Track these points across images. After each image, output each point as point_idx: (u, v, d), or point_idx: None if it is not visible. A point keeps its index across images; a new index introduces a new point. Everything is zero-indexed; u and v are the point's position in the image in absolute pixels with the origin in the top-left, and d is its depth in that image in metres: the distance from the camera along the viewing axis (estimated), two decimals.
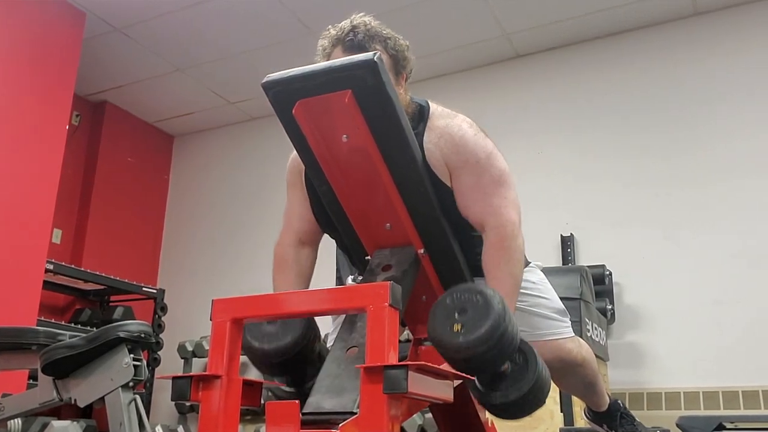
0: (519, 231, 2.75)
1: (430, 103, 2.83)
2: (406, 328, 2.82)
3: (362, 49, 2.69)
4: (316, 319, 2.59)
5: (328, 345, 2.84)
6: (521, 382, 2.40)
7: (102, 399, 4.01)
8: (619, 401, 3.65)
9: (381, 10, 3.11)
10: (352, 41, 2.73)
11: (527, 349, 2.46)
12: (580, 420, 4.86)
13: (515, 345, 2.30)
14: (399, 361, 1.96)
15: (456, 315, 2.23)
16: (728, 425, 3.78)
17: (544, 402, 2.51)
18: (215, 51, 7.40)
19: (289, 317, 2.43)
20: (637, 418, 3.65)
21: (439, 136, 2.72)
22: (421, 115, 2.77)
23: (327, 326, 3.04)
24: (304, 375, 2.60)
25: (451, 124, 2.77)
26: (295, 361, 2.53)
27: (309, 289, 3.02)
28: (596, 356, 3.44)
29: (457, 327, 2.21)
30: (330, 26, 2.83)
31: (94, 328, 5.38)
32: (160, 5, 6.64)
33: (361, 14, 2.82)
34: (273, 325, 2.54)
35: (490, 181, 2.74)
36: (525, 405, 2.44)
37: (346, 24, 2.79)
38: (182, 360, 7.68)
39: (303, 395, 2.44)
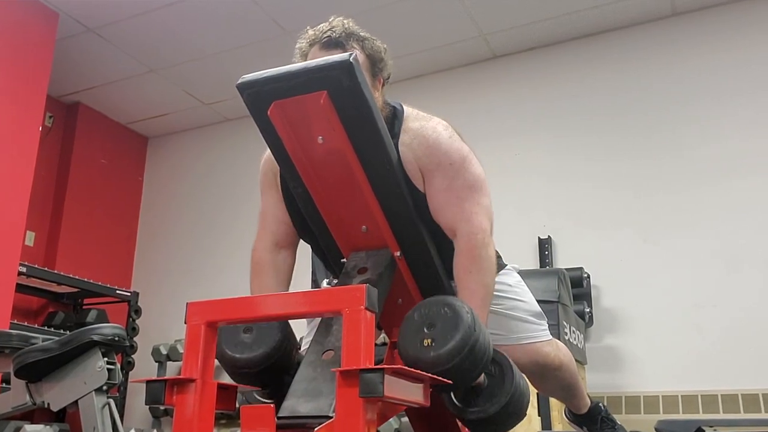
0: (490, 239, 2.71)
1: (404, 105, 2.81)
2: (382, 331, 2.80)
3: (339, 46, 2.69)
4: (292, 322, 2.57)
5: (303, 348, 2.82)
6: (499, 395, 2.41)
7: (75, 403, 4.00)
8: (600, 404, 3.64)
9: (356, 10, 3.11)
10: (329, 39, 2.71)
11: (502, 361, 2.46)
12: (558, 424, 4.86)
13: (488, 356, 2.28)
14: (375, 364, 1.94)
15: (425, 330, 2.22)
16: (707, 429, 3.78)
17: (525, 414, 2.51)
18: (189, 52, 7.37)
19: (264, 320, 2.41)
20: (618, 422, 3.65)
21: (413, 138, 2.69)
22: (395, 118, 2.74)
23: (301, 329, 3.02)
24: (282, 385, 2.54)
25: (426, 126, 2.73)
26: (271, 372, 2.50)
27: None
28: (574, 360, 3.43)
29: (427, 341, 2.20)
30: (308, 27, 2.81)
31: (68, 332, 5.35)
32: (134, 6, 6.60)
33: (340, 17, 2.80)
34: (248, 333, 2.51)
35: (463, 186, 2.69)
36: (505, 418, 2.44)
37: (323, 24, 2.77)
38: (156, 363, 7.65)
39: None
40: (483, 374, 2.41)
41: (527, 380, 2.55)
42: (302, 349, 2.81)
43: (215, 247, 8.26)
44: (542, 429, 4.90)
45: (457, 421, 2.87)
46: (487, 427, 2.46)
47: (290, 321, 2.53)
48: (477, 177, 2.74)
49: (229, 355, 2.48)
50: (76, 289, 7.59)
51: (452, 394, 2.45)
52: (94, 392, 3.91)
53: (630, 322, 6.12)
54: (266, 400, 2.65)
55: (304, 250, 3.14)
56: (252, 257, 3.05)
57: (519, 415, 2.47)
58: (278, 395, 2.56)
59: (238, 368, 2.50)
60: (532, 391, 4.49)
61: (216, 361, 2.23)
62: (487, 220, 2.72)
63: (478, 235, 2.66)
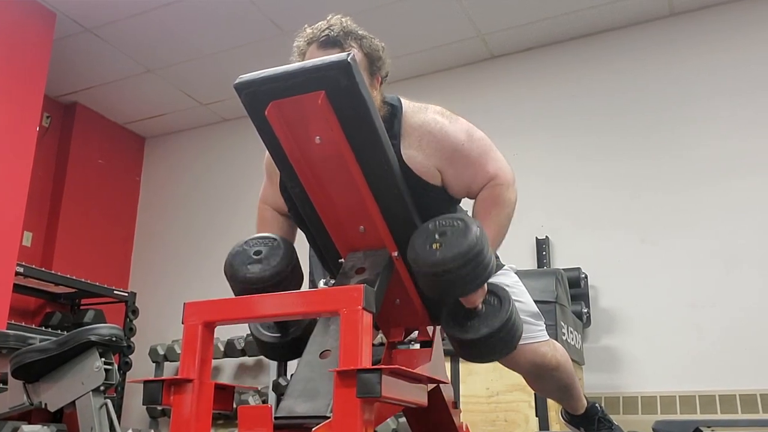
0: (512, 186, 2.86)
1: (402, 99, 2.82)
2: (380, 331, 2.80)
3: (337, 45, 2.69)
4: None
5: None
6: (493, 319, 2.49)
7: (73, 403, 4.00)
8: (597, 404, 3.64)
9: (354, 10, 3.09)
10: (327, 37, 2.71)
11: (502, 294, 2.56)
12: (556, 424, 4.85)
13: (490, 270, 2.39)
14: (373, 364, 1.94)
15: (436, 236, 2.35)
16: (705, 429, 3.78)
17: (515, 346, 2.60)
18: (187, 52, 7.36)
19: (261, 320, 2.42)
20: (615, 422, 3.64)
21: (419, 138, 2.71)
22: (394, 115, 2.74)
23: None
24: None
25: (426, 120, 2.75)
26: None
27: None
28: (572, 360, 3.43)
29: (435, 245, 2.33)
30: (306, 25, 2.81)
31: (65, 332, 5.34)
32: (131, 6, 6.59)
33: (338, 15, 2.80)
34: (257, 254, 2.65)
35: (478, 154, 2.81)
36: (494, 344, 2.52)
37: (321, 23, 2.77)
38: (154, 364, 7.63)
39: (287, 342, 2.58)
40: (482, 303, 2.52)
41: (522, 321, 2.66)
42: None
43: (213, 247, 8.24)
44: (540, 429, 4.90)
45: (455, 422, 2.88)
46: (476, 349, 2.55)
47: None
48: (483, 140, 2.89)
49: (242, 273, 2.62)
50: (73, 290, 7.57)
51: (450, 316, 2.54)
52: (91, 392, 3.91)
53: (628, 323, 6.11)
54: (274, 334, 2.74)
55: (301, 251, 3.14)
56: (258, 209, 3.22)
57: (509, 344, 2.56)
58: (283, 328, 2.73)
59: (251, 284, 2.59)
60: (531, 392, 4.51)
61: (214, 362, 2.23)
62: (508, 169, 2.89)
63: (501, 184, 2.82)
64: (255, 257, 2.65)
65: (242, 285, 2.61)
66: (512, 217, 2.86)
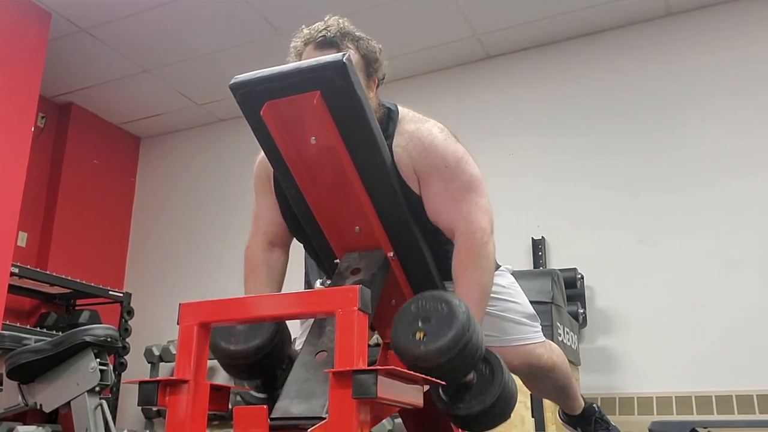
0: (490, 238, 2.69)
1: (399, 107, 2.79)
2: (375, 332, 2.79)
3: (334, 46, 2.68)
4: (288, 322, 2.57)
5: (297, 349, 2.81)
6: (485, 394, 2.41)
7: (68, 404, 3.99)
8: (595, 405, 3.64)
9: (349, 11, 3.09)
10: (324, 38, 2.70)
11: (494, 360, 2.46)
12: (552, 425, 4.84)
13: (479, 355, 2.28)
14: (368, 365, 1.94)
15: (419, 323, 2.22)
16: (701, 430, 3.77)
17: (509, 416, 2.51)
18: (182, 52, 7.35)
19: (257, 321, 2.41)
20: (612, 423, 3.64)
21: (408, 140, 2.67)
22: (390, 119, 2.73)
23: (294, 330, 3.01)
24: (275, 379, 2.57)
25: (421, 128, 2.72)
26: (265, 364, 2.50)
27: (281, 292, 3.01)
28: (568, 361, 3.42)
29: (419, 335, 2.20)
30: (303, 26, 2.80)
31: (60, 333, 5.34)
32: (127, 6, 6.58)
33: (336, 17, 2.79)
34: (242, 325, 2.51)
35: (460, 187, 2.68)
36: (489, 418, 2.44)
37: (319, 24, 2.76)
38: (149, 364, 7.63)
39: (274, 401, 2.42)
40: (473, 372, 2.41)
41: (516, 382, 2.55)
42: (296, 349, 2.80)
43: (208, 248, 8.24)
44: (536, 430, 4.89)
45: (450, 422, 2.87)
46: (471, 424, 2.47)
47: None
48: (473, 177, 2.73)
49: (224, 347, 2.49)
50: (68, 290, 7.56)
51: (440, 389, 2.45)
52: (86, 393, 3.91)
53: (624, 323, 6.10)
54: (260, 395, 2.66)
55: (298, 249, 3.13)
56: (245, 256, 3.05)
57: (504, 415, 2.48)
58: (270, 389, 2.61)
59: (233, 360, 2.50)
60: (527, 393, 4.50)
61: (209, 362, 2.22)
62: (487, 219, 2.70)
63: (476, 233, 2.65)
64: (239, 328, 2.51)
65: (226, 360, 2.52)
66: (493, 270, 2.73)
